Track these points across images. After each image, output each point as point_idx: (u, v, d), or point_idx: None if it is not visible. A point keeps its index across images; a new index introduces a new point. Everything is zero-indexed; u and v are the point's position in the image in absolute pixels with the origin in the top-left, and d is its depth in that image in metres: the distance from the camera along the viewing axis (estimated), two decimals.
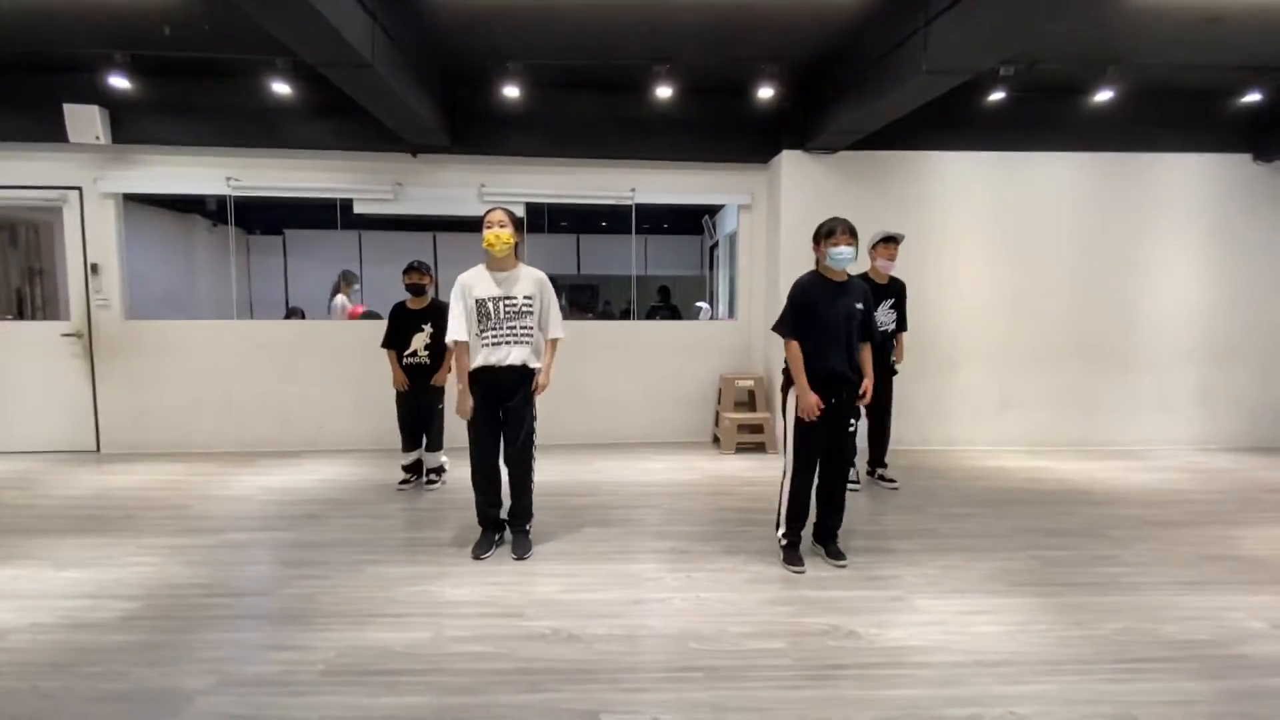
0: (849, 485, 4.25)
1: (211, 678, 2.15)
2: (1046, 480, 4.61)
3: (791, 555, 3.05)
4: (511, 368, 3.06)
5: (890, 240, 4.15)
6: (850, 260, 2.96)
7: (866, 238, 4.14)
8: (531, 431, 3.19)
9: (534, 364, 3.13)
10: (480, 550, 3.15)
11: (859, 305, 3.00)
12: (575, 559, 3.14)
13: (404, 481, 4.35)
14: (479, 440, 3.15)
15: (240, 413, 5.38)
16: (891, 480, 4.36)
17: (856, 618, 2.58)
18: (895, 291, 4.23)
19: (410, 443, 4.31)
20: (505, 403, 3.12)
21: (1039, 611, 2.64)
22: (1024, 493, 4.31)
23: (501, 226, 3.03)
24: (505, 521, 3.28)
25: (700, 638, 2.43)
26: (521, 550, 3.16)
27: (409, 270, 4.20)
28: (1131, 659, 2.31)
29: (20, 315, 6.34)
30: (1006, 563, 3.13)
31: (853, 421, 3.07)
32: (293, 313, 7.95)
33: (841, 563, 3.05)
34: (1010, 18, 3.14)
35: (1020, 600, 2.74)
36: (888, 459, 4.43)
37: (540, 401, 3.22)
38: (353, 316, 5.91)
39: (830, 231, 2.96)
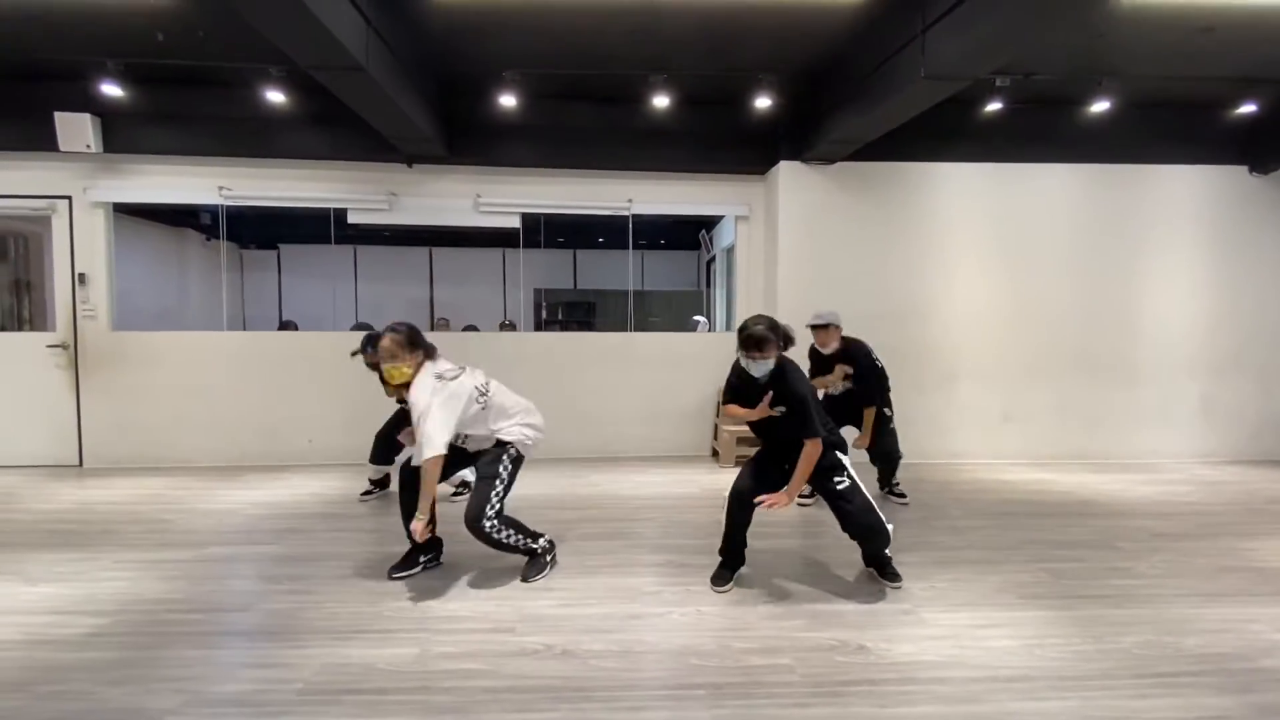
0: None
1: (179, 697, 2.01)
2: (1051, 493, 4.51)
3: (716, 571, 2.93)
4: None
5: (815, 328, 3.94)
6: (764, 372, 2.67)
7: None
8: (485, 504, 2.74)
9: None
10: (393, 569, 2.95)
11: (781, 408, 2.72)
12: (569, 573, 3.02)
13: (366, 493, 4.28)
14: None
15: (228, 426, 5.25)
16: (902, 495, 4.24)
17: (865, 632, 2.47)
18: (845, 360, 3.95)
19: (378, 455, 4.19)
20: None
21: (1053, 625, 2.53)
22: (1030, 505, 4.21)
23: (393, 359, 2.72)
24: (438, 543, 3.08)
25: (701, 654, 2.31)
26: (527, 572, 2.95)
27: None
28: (1154, 673, 2.20)
29: (6, 329, 6.22)
30: (1016, 575, 3.02)
31: (837, 478, 2.77)
32: (285, 326, 7.85)
33: (894, 584, 2.87)
34: (1006, 24, 3.14)
35: (1033, 613, 2.63)
36: (898, 476, 4.29)
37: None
38: None
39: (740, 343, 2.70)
